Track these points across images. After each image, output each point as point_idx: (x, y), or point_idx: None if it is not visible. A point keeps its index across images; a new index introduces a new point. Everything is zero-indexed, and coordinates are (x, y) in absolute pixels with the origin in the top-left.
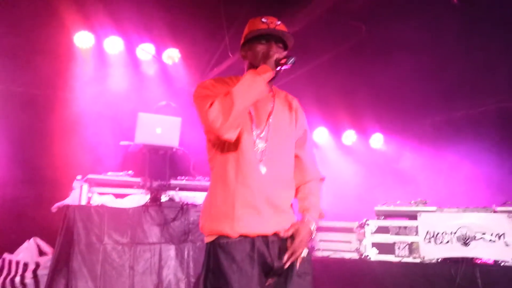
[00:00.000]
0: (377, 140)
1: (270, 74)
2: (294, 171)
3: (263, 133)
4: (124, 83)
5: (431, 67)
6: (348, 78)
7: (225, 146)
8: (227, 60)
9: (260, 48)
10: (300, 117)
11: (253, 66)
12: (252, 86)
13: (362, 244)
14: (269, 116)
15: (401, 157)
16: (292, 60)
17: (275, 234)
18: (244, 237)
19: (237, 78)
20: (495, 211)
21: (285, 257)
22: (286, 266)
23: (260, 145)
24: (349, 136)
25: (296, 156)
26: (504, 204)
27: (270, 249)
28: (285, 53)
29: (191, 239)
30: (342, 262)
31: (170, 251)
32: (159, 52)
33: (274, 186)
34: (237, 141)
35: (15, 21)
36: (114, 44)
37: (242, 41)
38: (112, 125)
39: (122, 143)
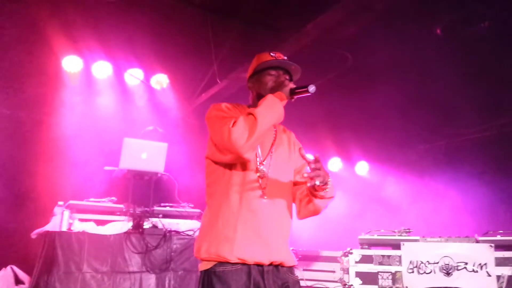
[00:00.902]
0: (362, 167)
1: (285, 101)
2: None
3: (265, 161)
4: (111, 108)
5: (415, 96)
6: (334, 106)
7: (230, 170)
8: (215, 86)
9: (269, 78)
10: (297, 148)
11: (261, 96)
12: (273, 109)
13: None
14: (272, 145)
15: (385, 185)
16: (313, 88)
17: (271, 265)
18: (241, 264)
19: (242, 107)
20: (477, 241)
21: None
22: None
23: (263, 172)
24: (335, 163)
25: (296, 183)
26: (486, 234)
27: (265, 279)
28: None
29: (172, 267)
30: None
31: (151, 280)
32: (147, 77)
33: (275, 214)
34: (243, 165)
35: (2, 45)
36: (102, 69)
37: (250, 72)
38: (98, 150)
39: (106, 168)
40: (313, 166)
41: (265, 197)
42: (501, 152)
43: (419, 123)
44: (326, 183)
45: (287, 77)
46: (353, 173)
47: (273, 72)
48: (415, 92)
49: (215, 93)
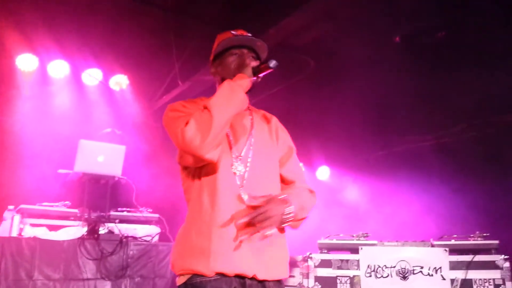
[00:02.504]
0: (324, 172)
1: (247, 83)
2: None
3: (243, 154)
4: (67, 109)
5: (375, 102)
6: (295, 111)
7: (202, 172)
8: (177, 88)
9: (232, 59)
10: (281, 134)
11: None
12: (231, 96)
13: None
14: (248, 135)
15: (346, 190)
16: (274, 62)
17: (254, 278)
18: (221, 275)
19: (208, 99)
20: (432, 245)
21: (241, 219)
22: (240, 222)
23: (240, 168)
24: None
25: (281, 177)
26: (441, 238)
27: None
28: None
29: (129, 274)
30: None
31: (106, 287)
32: (106, 78)
33: None
34: (213, 165)
35: None
36: (59, 68)
37: (211, 57)
38: (52, 152)
39: (61, 171)
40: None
41: (245, 197)
42: (458, 157)
43: (378, 129)
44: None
45: (253, 55)
46: (314, 178)
47: (236, 51)
48: (375, 98)
49: (177, 95)
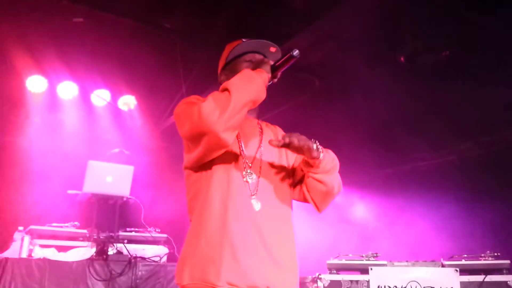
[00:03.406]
0: None
1: (267, 77)
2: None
3: (254, 162)
4: (76, 130)
5: (381, 120)
6: (301, 130)
7: (213, 178)
8: None
9: (245, 65)
10: None
11: None
12: (250, 81)
13: None
14: (259, 143)
15: (354, 208)
16: (296, 51)
17: None
18: (232, 286)
19: None
20: (443, 265)
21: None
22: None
23: (252, 176)
24: None
25: (300, 179)
26: (451, 258)
27: None
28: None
29: None
30: None
31: None
32: (114, 99)
33: (272, 225)
34: (225, 171)
35: None
36: (68, 89)
37: (222, 64)
38: (62, 173)
39: (70, 192)
40: (287, 140)
41: (258, 206)
42: (465, 175)
43: (385, 147)
44: (311, 146)
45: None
46: None
47: (249, 57)
48: (381, 117)
49: None
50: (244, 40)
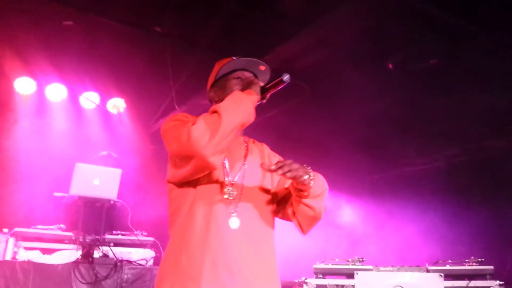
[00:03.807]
0: None
1: (256, 99)
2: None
3: (235, 179)
4: (65, 132)
5: (370, 126)
6: (290, 136)
7: (196, 194)
8: (174, 112)
9: (235, 82)
10: (273, 160)
11: None
12: (240, 104)
13: None
14: (243, 161)
15: (341, 213)
16: (287, 76)
17: None
18: None
19: None
20: (428, 271)
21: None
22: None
23: (233, 193)
24: None
25: (285, 198)
26: (436, 263)
27: None
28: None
29: None
30: None
31: None
32: (103, 101)
33: (252, 243)
34: (208, 189)
35: None
36: (56, 92)
37: (211, 81)
38: (48, 176)
39: (56, 194)
40: (280, 172)
41: (236, 223)
42: (452, 181)
43: (374, 152)
44: (303, 175)
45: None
46: None
47: (237, 75)
48: (370, 123)
49: None
50: (234, 58)
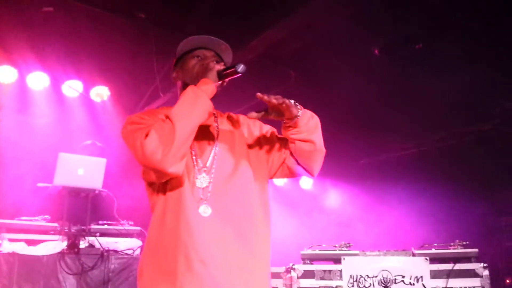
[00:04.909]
0: (307, 181)
1: (212, 88)
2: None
3: (207, 164)
4: (48, 121)
5: (356, 111)
6: (276, 122)
7: (166, 187)
8: (158, 100)
9: (194, 62)
10: (254, 129)
11: (187, 85)
12: (194, 104)
13: None
14: (214, 144)
15: (328, 199)
16: (242, 67)
17: None
18: None
19: (168, 109)
20: (413, 254)
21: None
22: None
23: (203, 180)
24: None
25: (285, 158)
26: (421, 247)
27: None
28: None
29: None
30: None
31: None
32: (87, 89)
33: (228, 233)
34: (178, 179)
35: None
36: (38, 80)
37: (173, 61)
38: (32, 166)
39: (40, 185)
40: (267, 98)
41: (208, 211)
42: (438, 166)
43: (360, 138)
44: (290, 104)
45: (217, 59)
46: (297, 187)
47: (197, 53)
48: (356, 108)
49: (158, 107)
50: (196, 36)
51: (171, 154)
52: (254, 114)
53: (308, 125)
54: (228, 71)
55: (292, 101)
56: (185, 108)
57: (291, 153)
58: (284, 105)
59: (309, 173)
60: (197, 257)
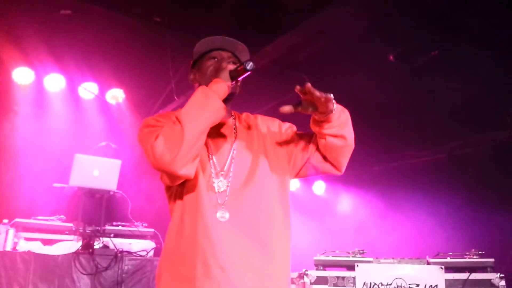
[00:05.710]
0: (319, 187)
1: (224, 88)
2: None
3: (225, 168)
4: (63, 122)
5: (371, 118)
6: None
7: (183, 191)
8: (173, 102)
9: (210, 63)
10: (272, 128)
11: None
12: (204, 104)
13: None
14: (231, 147)
15: (341, 205)
16: (251, 64)
17: None
18: None
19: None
20: (428, 263)
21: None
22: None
23: (221, 184)
24: (292, 183)
25: (310, 156)
26: (436, 255)
27: None
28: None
29: None
30: None
31: None
32: (102, 92)
33: (246, 238)
34: (194, 183)
35: None
36: (55, 82)
37: (191, 63)
38: (48, 166)
39: (56, 185)
40: (307, 89)
41: (226, 216)
42: (453, 174)
43: (374, 145)
44: (330, 97)
45: (234, 60)
46: (310, 193)
47: (214, 55)
48: (369, 115)
49: (172, 110)
50: (212, 37)
51: (181, 156)
52: (287, 107)
53: (340, 119)
54: (238, 69)
55: (331, 95)
56: (194, 109)
57: (317, 150)
58: (323, 99)
59: (337, 169)
60: (216, 263)
